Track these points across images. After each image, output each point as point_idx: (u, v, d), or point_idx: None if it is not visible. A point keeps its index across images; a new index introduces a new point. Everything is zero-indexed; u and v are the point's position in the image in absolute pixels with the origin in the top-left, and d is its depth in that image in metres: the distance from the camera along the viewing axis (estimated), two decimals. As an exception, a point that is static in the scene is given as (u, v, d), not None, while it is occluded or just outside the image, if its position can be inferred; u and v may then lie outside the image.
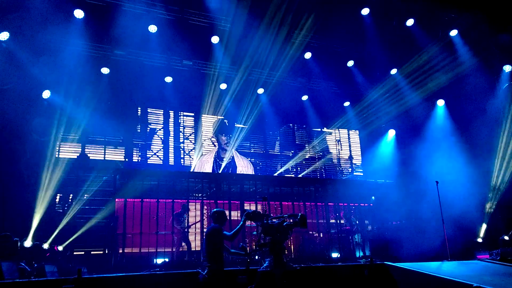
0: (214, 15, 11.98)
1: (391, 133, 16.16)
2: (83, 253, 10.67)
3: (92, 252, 10.73)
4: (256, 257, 8.90)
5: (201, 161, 14.39)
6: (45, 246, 9.82)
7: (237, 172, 14.54)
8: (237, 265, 8.98)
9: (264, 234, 5.39)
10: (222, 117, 14.96)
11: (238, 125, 14.95)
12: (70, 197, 11.41)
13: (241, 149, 15.30)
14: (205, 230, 11.31)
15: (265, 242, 5.39)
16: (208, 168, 14.37)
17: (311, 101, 15.86)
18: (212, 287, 5.26)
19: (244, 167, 15.01)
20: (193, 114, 14.82)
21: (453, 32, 13.04)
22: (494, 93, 12.99)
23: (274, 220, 5.61)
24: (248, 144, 15.50)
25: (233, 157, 14.97)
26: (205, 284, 5.28)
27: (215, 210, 5.88)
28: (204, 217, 11.74)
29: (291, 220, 5.52)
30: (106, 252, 10.44)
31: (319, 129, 16.73)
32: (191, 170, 13.87)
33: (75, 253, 10.50)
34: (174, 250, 10.93)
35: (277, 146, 16.01)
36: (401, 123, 15.62)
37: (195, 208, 11.92)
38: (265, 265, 5.42)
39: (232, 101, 14.47)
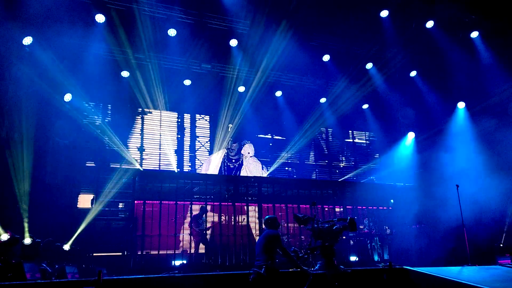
0: (232, 18, 12.02)
1: (411, 135, 15.96)
2: (102, 254, 10.84)
3: (111, 254, 10.88)
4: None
5: (208, 160, 14.47)
6: (66, 247, 9.99)
7: (244, 174, 14.61)
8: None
9: (314, 238, 5.47)
10: (232, 125, 15.01)
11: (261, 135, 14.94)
12: (91, 199, 11.61)
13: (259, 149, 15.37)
14: (221, 231, 11.39)
15: (315, 245, 5.46)
16: (214, 167, 14.44)
17: (329, 103, 15.81)
18: (269, 284, 5.49)
19: (253, 169, 15.00)
20: (209, 117, 14.95)
21: (474, 34, 12.82)
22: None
23: (324, 224, 5.66)
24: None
25: (242, 159, 15.00)
26: (263, 281, 5.50)
27: (268, 217, 6.19)
28: (222, 219, 11.77)
29: (341, 224, 5.57)
30: (125, 253, 10.56)
31: (338, 132, 16.66)
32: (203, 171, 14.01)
33: (95, 254, 10.67)
34: (192, 252, 10.99)
35: (294, 148, 15.98)
36: (421, 126, 15.42)
37: (213, 210, 11.98)
38: (316, 267, 5.50)
39: (250, 104, 14.51)
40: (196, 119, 14.86)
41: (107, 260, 10.53)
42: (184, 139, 14.43)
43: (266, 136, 15.79)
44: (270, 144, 15.77)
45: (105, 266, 9.40)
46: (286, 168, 15.77)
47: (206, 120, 15.02)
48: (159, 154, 13.90)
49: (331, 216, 12.60)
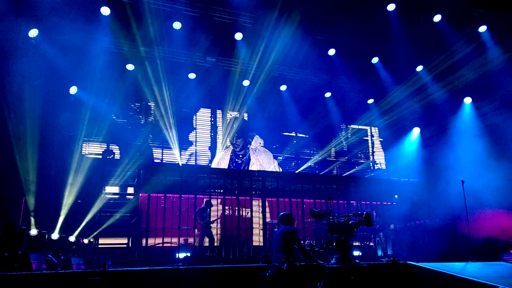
0: (238, 12, 11.97)
1: (416, 131, 15.87)
2: (107, 246, 10.91)
3: (116, 246, 10.96)
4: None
5: (217, 157, 14.53)
6: (71, 238, 10.08)
7: (251, 168, 14.63)
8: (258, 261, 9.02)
9: (330, 233, 5.53)
10: (238, 116, 15.01)
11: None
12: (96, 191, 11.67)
13: (263, 145, 15.35)
14: (225, 225, 11.43)
15: (331, 240, 5.52)
16: (223, 164, 14.49)
17: (334, 98, 15.76)
18: (290, 280, 5.58)
19: (262, 163, 15.02)
20: (219, 111, 14.97)
21: (482, 28, 12.67)
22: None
23: (339, 219, 5.71)
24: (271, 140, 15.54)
25: (249, 154, 15.01)
26: (285, 277, 5.59)
27: (282, 213, 6.26)
28: (225, 213, 11.81)
29: (357, 219, 5.62)
30: (130, 245, 10.64)
31: (342, 127, 16.62)
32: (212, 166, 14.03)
33: (99, 246, 10.75)
34: (196, 244, 11.05)
35: (299, 143, 15.97)
36: (426, 121, 15.33)
37: (217, 203, 12.01)
38: (332, 261, 5.57)
39: (255, 98, 14.49)
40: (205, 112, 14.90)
41: (112, 252, 10.62)
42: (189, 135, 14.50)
43: (291, 134, 15.82)
44: (294, 142, 15.82)
45: (110, 257, 9.47)
46: (310, 165, 15.77)
47: (210, 113, 15.03)
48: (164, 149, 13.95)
49: (335, 210, 12.62)
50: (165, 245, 10.77)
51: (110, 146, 12.97)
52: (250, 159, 14.93)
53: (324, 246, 5.96)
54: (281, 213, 6.31)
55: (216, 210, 11.95)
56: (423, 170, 14.66)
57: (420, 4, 12.22)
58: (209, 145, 14.60)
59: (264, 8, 11.73)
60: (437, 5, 12.24)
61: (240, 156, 14.80)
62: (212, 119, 14.78)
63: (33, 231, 9.44)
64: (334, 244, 5.87)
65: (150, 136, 13.66)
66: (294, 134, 15.98)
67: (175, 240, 10.88)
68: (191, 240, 10.85)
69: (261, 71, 13.78)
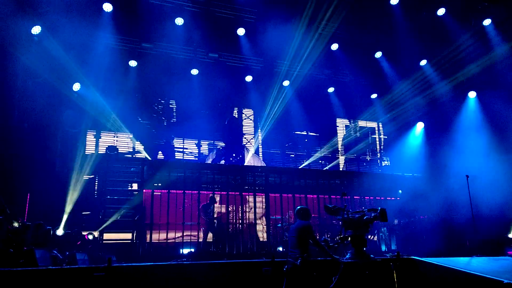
0: (240, 7, 11.93)
1: (420, 125, 15.81)
2: (112, 242, 10.95)
3: (120, 241, 11.00)
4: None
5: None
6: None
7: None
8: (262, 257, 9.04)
9: (345, 228, 5.59)
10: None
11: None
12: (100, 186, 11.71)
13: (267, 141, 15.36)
14: (228, 221, 11.45)
15: (346, 235, 5.57)
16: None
17: (337, 93, 15.69)
18: (305, 275, 5.67)
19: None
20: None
21: (487, 22, 12.55)
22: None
23: (354, 215, 5.75)
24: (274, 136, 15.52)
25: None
26: (299, 272, 5.67)
27: (299, 207, 6.30)
28: (229, 209, 11.82)
29: (371, 214, 5.65)
30: (134, 241, 10.68)
31: (346, 122, 16.58)
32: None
33: (104, 241, 10.79)
34: (200, 240, 11.08)
35: (302, 138, 15.96)
36: (430, 116, 15.26)
37: (221, 200, 12.02)
38: (347, 256, 5.61)
39: (258, 93, 14.46)
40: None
41: (116, 248, 10.65)
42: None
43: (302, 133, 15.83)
44: (306, 140, 15.81)
45: (114, 253, 9.50)
46: (320, 162, 15.75)
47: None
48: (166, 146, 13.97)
49: (339, 205, 12.59)
50: (169, 241, 10.80)
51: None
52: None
53: (338, 241, 6.02)
54: (298, 207, 6.34)
55: (219, 206, 11.97)
56: (427, 165, 14.61)
57: (424, -3, 12.14)
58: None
59: (265, 3, 11.67)
60: (440, -1, 12.16)
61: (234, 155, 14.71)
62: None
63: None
64: (349, 239, 5.92)
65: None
66: (305, 133, 15.95)
67: (179, 235, 10.91)
68: (195, 235, 10.88)
69: (264, 66, 13.74)
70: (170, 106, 14.41)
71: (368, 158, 16.74)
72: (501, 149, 12.50)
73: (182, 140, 14.33)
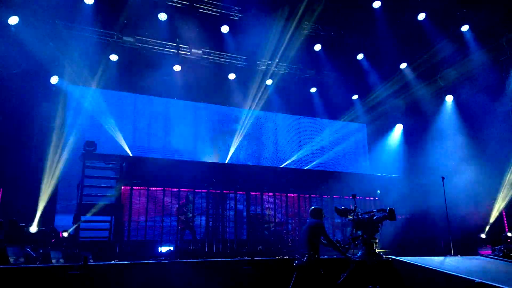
0: (224, 4, 11.86)
1: (399, 127, 16.09)
2: (88, 239, 10.75)
3: (97, 239, 10.80)
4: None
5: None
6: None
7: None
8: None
9: (355, 229, 5.70)
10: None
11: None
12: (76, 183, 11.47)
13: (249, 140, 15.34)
14: (209, 219, 11.40)
15: (356, 235, 5.68)
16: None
17: (319, 93, 15.79)
18: (311, 272, 5.81)
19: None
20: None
21: (465, 28, 12.85)
22: (504, 91, 12.81)
23: (364, 215, 5.86)
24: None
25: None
26: (304, 269, 5.85)
27: (313, 207, 6.46)
28: (209, 207, 11.75)
29: (381, 214, 5.78)
30: (112, 239, 10.50)
31: (326, 122, 16.71)
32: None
33: (80, 239, 10.58)
34: (178, 239, 10.98)
35: (283, 137, 16.01)
36: (409, 118, 15.53)
37: (201, 196, 11.93)
38: (358, 255, 5.70)
39: (240, 91, 14.42)
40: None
41: (93, 246, 10.45)
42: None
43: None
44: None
45: (90, 251, 9.32)
46: (295, 159, 15.84)
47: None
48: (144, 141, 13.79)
49: (321, 205, 12.70)
50: (147, 239, 10.66)
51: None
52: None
53: (350, 242, 6.15)
54: (312, 207, 6.53)
55: (200, 204, 11.88)
56: (406, 166, 14.89)
57: (405, 2, 12.32)
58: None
59: (250, 1, 11.64)
60: (421, 4, 12.36)
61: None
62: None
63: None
64: (360, 239, 6.08)
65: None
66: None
67: (157, 234, 10.79)
68: (173, 234, 10.78)
69: (247, 65, 13.71)
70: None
71: (346, 157, 16.89)
72: (476, 151, 12.83)
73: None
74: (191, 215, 11.22)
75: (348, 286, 5.96)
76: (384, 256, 5.84)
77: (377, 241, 6.03)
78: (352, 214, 6.27)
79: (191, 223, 11.16)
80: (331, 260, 7.03)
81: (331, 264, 6.75)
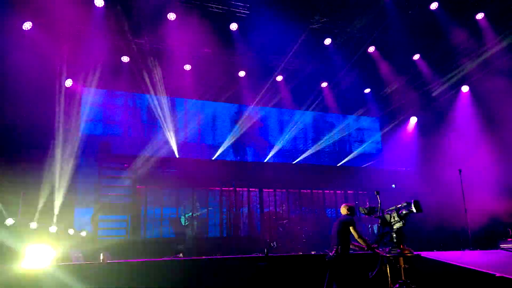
0: (232, 2, 11.82)
1: (413, 120, 15.86)
2: (106, 238, 10.92)
3: (115, 237, 10.95)
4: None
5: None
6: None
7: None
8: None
9: (382, 226, 5.78)
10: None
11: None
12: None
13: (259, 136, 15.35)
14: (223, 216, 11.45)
15: (384, 232, 5.76)
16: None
17: (331, 88, 15.67)
18: (339, 266, 6.20)
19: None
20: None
21: (480, 16, 12.56)
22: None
23: (389, 212, 5.92)
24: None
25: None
26: (332, 264, 6.26)
27: (345, 204, 6.86)
28: (223, 204, 11.80)
29: (406, 209, 5.82)
30: (128, 237, 10.64)
31: (339, 116, 16.59)
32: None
33: (98, 238, 10.76)
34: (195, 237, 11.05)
35: (295, 133, 15.95)
36: (424, 110, 15.29)
37: (219, 195, 11.97)
38: (387, 250, 5.78)
39: (250, 88, 14.41)
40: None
41: (111, 244, 10.61)
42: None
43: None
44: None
45: (108, 249, 9.46)
46: (307, 155, 15.83)
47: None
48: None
49: (331, 202, 12.65)
50: (163, 237, 10.80)
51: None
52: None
53: (378, 239, 6.30)
54: (344, 203, 6.92)
55: (214, 201, 11.96)
56: (421, 159, 14.68)
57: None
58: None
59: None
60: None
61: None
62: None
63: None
64: (388, 236, 6.12)
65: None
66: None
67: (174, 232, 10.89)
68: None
69: (256, 62, 13.66)
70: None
71: (360, 151, 16.73)
72: (494, 142, 12.57)
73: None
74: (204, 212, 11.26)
75: (378, 282, 6.04)
76: (412, 251, 5.80)
77: (404, 236, 5.98)
78: (377, 211, 6.29)
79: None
80: (360, 256, 7.18)
81: (361, 259, 6.93)
